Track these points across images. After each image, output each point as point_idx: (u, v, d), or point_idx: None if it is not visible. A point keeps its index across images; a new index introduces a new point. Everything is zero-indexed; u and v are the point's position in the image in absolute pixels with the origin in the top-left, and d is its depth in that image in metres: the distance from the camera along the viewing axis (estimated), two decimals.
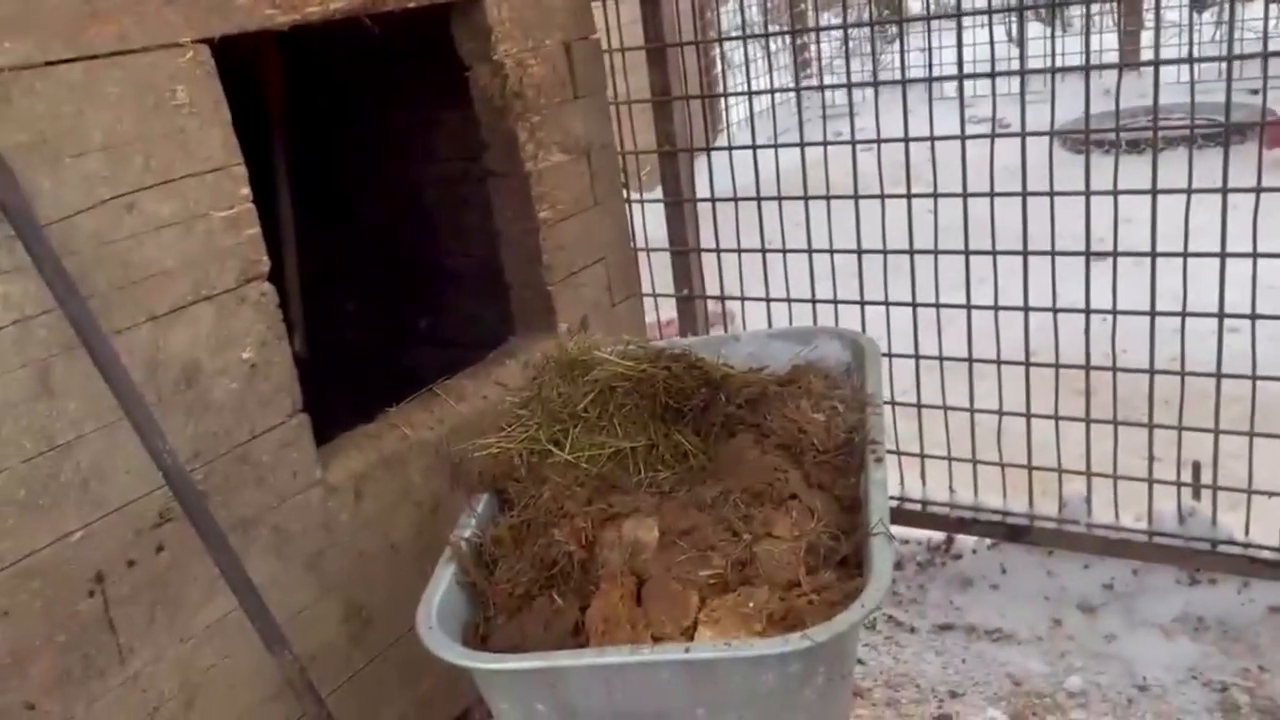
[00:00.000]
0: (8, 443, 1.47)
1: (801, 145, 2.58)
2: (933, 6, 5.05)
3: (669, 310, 3.34)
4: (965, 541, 2.64)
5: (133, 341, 1.61)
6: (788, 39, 7.40)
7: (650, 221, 2.97)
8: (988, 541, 2.60)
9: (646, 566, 1.61)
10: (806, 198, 2.62)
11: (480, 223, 2.72)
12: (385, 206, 3.16)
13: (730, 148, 2.70)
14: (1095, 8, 6.88)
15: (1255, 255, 2.08)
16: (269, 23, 1.82)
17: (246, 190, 1.78)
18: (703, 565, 1.59)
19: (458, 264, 3.06)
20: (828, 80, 7.13)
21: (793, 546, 1.63)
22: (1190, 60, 2.17)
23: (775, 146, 2.58)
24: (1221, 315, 2.15)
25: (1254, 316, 2.12)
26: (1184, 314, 2.20)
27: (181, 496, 1.59)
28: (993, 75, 2.33)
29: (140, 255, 1.62)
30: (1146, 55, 6.94)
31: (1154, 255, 2.20)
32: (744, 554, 1.61)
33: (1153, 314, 2.24)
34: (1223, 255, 2.12)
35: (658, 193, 3.03)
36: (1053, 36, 3.27)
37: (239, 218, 1.76)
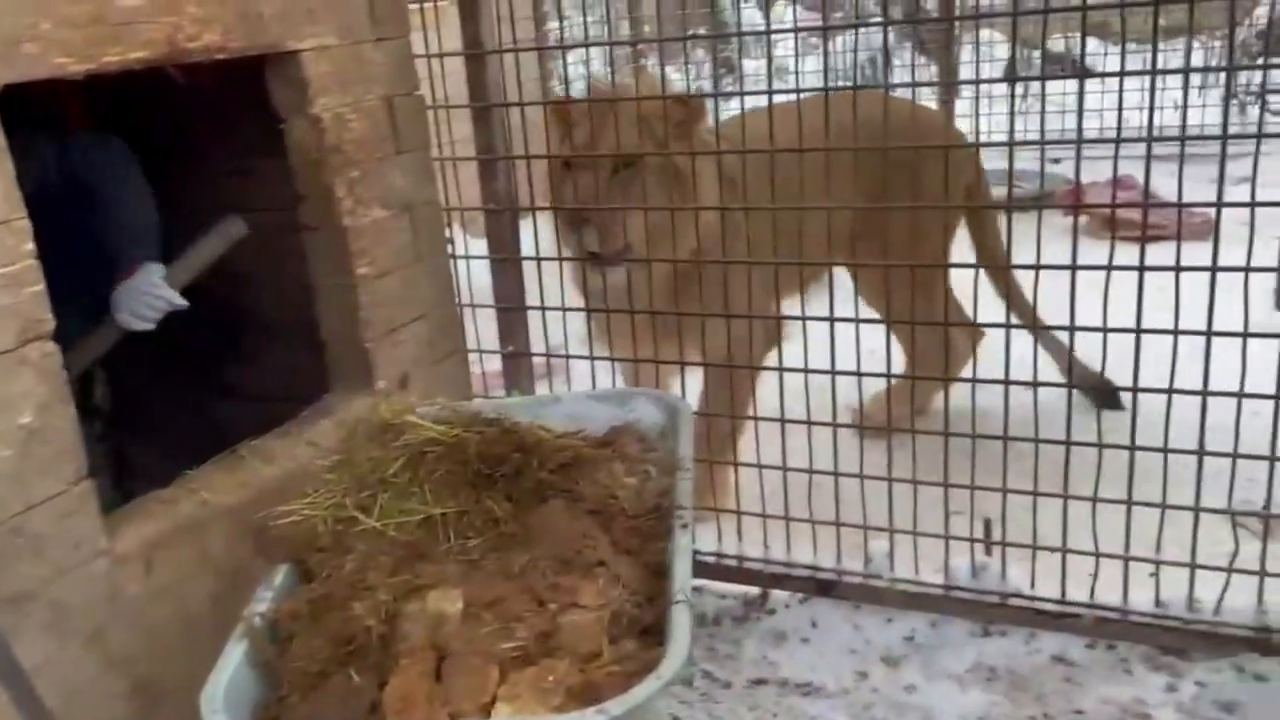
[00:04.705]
0: None
1: (625, 208, 2.62)
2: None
3: (496, 361, 3.33)
4: (779, 596, 2.71)
5: None
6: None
7: (477, 271, 2.96)
8: (800, 596, 2.68)
9: (449, 640, 1.59)
10: (630, 260, 2.67)
11: (300, 274, 2.66)
12: None
13: (555, 207, 2.73)
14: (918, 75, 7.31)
15: (1034, 328, 2.24)
16: (61, 71, 1.74)
17: (30, 245, 1.68)
18: (506, 638, 1.58)
19: (275, 316, 2.97)
20: None
21: (598, 616, 1.64)
22: (1009, 143, 2.31)
23: (598, 210, 2.62)
24: (1007, 382, 2.30)
25: (1035, 384, 2.27)
26: (974, 380, 2.34)
27: None
28: (801, 150, 2.42)
29: None
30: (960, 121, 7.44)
31: (946, 325, 2.34)
32: (548, 625, 1.61)
33: (946, 380, 2.38)
34: (1007, 326, 2.27)
35: (483, 244, 3.04)
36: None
37: (20, 274, 1.66)
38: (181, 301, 2.47)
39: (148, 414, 2.97)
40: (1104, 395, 2.74)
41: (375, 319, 2.48)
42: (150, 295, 2.43)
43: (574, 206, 2.63)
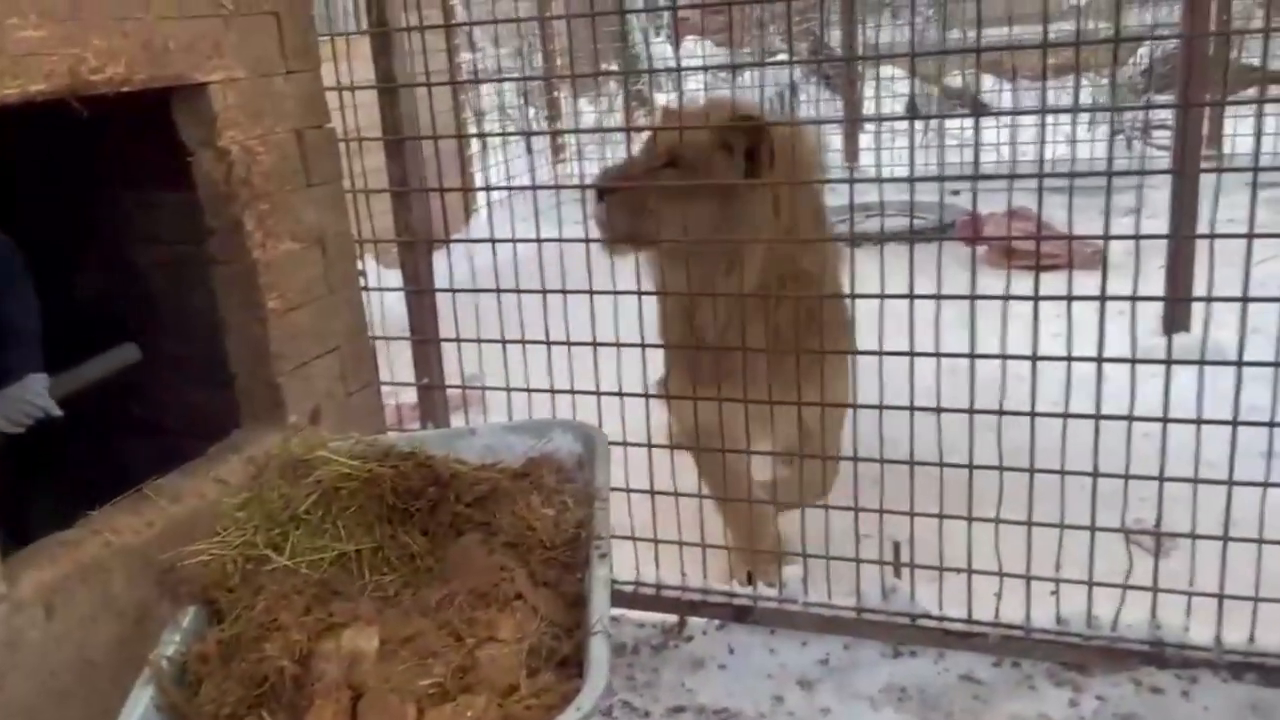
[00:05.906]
0: None
1: (539, 241, 2.64)
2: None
3: (411, 394, 3.30)
4: (696, 623, 2.74)
5: None
6: (543, 121, 7.61)
7: (392, 302, 2.94)
8: (716, 622, 2.71)
9: (365, 678, 1.57)
10: (545, 291, 2.68)
11: (207, 307, 2.61)
12: (102, 286, 2.97)
13: (468, 240, 2.73)
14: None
15: (937, 355, 2.32)
16: None
17: None
18: (423, 674, 1.57)
19: (180, 350, 2.90)
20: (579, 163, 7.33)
21: (515, 649, 1.64)
22: (910, 179, 2.40)
23: (514, 241, 2.63)
24: (912, 409, 2.37)
25: (939, 410, 2.35)
26: (880, 406, 2.41)
27: None
28: (721, 183, 2.48)
29: None
30: (864, 154, 7.66)
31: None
32: (466, 660, 1.60)
33: (855, 406, 2.44)
34: (912, 355, 2.35)
35: (397, 275, 3.02)
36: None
37: None
38: (58, 412, 2.49)
39: (49, 451, 2.87)
40: None
41: (286, 353, 2.45)
42: (29, 405, 2.44)
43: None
